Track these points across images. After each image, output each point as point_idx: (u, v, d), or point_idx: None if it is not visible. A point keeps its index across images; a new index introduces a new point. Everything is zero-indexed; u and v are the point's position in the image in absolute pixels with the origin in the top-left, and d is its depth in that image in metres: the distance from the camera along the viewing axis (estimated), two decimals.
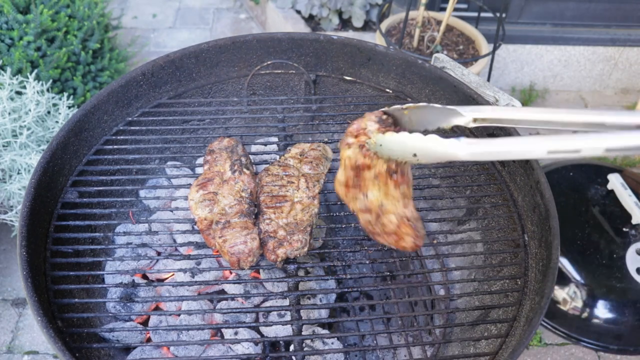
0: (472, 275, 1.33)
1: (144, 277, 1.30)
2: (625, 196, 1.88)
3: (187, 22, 3.14)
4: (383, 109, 0.89)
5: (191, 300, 1.18)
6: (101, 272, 1.13)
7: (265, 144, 1.37)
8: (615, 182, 1.93)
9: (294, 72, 1.49)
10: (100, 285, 1.13)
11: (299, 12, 2.78)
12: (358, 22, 2.74)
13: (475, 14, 2.42)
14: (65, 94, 1.83)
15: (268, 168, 1.19)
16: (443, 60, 1.41)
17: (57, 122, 1.75)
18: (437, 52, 2.19)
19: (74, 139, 1.21)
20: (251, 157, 1.41)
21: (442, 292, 1.41)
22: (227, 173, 1.14)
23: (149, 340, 1.20)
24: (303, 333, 1.10)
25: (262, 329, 1.20)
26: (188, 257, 1.10)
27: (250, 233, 1.02)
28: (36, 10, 1.90)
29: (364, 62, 1.45)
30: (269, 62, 1.44)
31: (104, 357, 1.14)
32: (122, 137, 1.31)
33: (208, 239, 1.06)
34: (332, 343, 1.16)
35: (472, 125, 0.79)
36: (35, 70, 1.86)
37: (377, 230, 0.95)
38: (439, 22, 2.35)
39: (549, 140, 0.64)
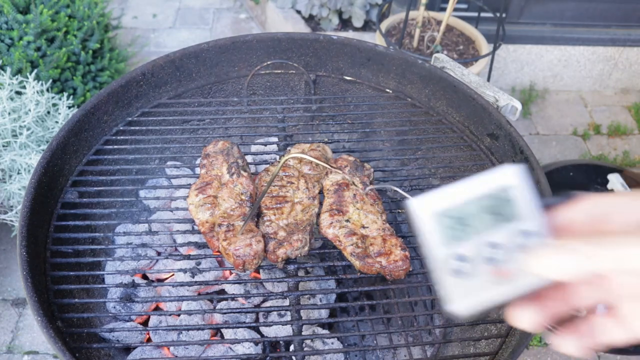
0: None
1: (144, 277, 1.30)
2: None
3: (187, 22, 3.14)
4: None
5: (191, 300, 1.18)
6: (101, 272, 1.13)
7: (265, 144, 1.36)
8: (615, 182, 1.93)
9: (294, 72, 1.49)
10: (100, 286, 1.13)
11: (299, 12, 2.78)
12: (358, 22, 2.74)
13: (475, 14, 2.41)
14: (65, 94, 1.83)
15: (268, 168, 1.19)
16: (443, 60, 1.41)
17: (57, 122, 1.75)
18: (437, 52, 2.19)
19: (74, 139, 1.21)
20: (251, 157, 1.41)
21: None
22: (225, 176, 1.13)
23: (149, 340, 1.20)
24: (303, 333, 1.10)
25: (262, 329, 1.20)
26: (188, 257, 1.10)
27: (255, 236, 1.02)
28: (36, 10, 1.90)
29: (364, 62, 1.45)
30: (269, 62, 1.44)
31: (104, 357, 1.14)
32: (122, 137, 1.31)
33: (211, 241, 1.06)
34: (332, 343, 1.16)
35: None
36: (35, 70, 1.86)
37: (367, 252, 1.02)
38: (439, 22, 2.35)
39: None
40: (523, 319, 0.46)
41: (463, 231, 0.49)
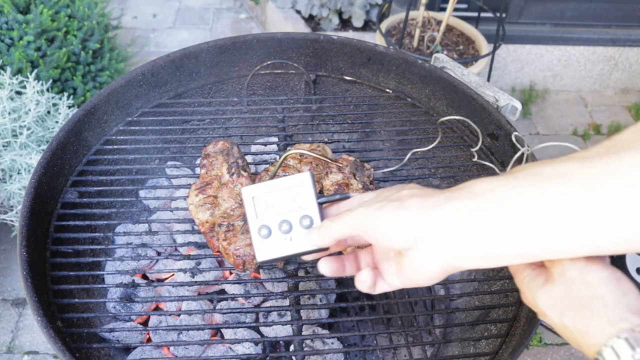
0: (472, 275, 1.33)
1: (144, 277, 1.30)
2: None
3: (187, 22, 3.14)
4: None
5: (191, 300, 1.18)
6: (101, 272, 1.13)
7: (265, 144, 1.36)
8: None
9: (294, 72, 1.49)
10: (100, 286, 1.13)
11: (299, 12, 2.78)
12: (358, 22, 2.74)
13: (475, 14, 2.42)
14: (65, 94, 1.83)
15: (268, 168, 1.19)
16: (443, 60, 1.41)
17: (57, 122, 1.75)
18: (437, 52, 2.19)
19: (74, 139, 1.21)
20: (251, 157, 1.41)
21: (442, 292, 1.41)
22: (225, 176, 1.13)
23: (149, 340, 1.20)
24: (303, 333, 1.10)
25: (262, 329, 1.20)
26: (188, 257, 1.10)
27: None
28: (36, 10, 1.90)
29: (364, 62, 1.45)
30: (269, 62, 1.44)
31: (104, 357, 1.14)
32: (122, 137, 1.31)
33: (211, 241, 1.06)
34: (332, 343, 1.16)
35: None
36: (35, 70, 1.86)
37: None
38: (439, 22, 2.35)
39: None
40: (323, 268, 0.69)
41: (269, 210, 0.72)
